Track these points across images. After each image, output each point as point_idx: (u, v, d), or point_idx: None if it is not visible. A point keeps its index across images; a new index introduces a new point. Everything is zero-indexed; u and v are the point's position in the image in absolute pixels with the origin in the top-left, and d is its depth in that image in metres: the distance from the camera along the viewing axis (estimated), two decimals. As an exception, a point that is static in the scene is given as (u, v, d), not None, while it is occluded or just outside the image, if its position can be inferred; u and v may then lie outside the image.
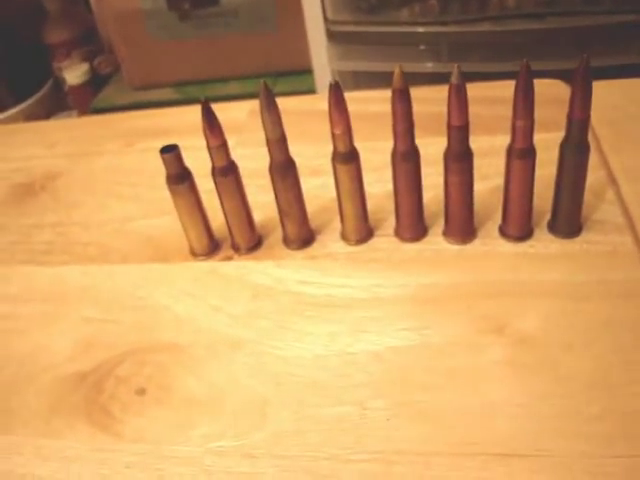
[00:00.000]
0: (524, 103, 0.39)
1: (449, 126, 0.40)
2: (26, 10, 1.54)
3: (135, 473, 0.36)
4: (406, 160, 0.42)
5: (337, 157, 0.43)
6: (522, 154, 0.41)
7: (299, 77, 1.30)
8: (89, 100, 1.44)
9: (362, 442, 0.35)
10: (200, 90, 1.36)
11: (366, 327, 0.41)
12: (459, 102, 0.39)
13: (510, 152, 0.41)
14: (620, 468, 0.32)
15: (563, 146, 0.41)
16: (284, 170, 0.44)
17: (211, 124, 0.42)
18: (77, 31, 1.52)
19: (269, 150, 0.43)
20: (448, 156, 0.42)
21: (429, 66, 1.00)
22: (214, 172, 0.44)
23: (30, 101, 1.48)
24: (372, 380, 0.38)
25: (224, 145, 0.43)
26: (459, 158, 0.41)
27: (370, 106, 0.59)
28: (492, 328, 0.40)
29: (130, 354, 0.43)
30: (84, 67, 1.48)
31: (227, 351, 0.41)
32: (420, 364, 0.39)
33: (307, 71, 1.17)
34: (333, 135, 0.42)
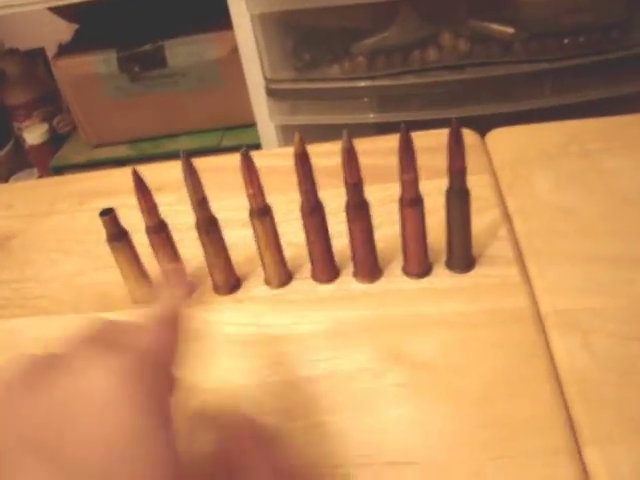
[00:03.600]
0: (406, 159, 0.45)
1: (346, 182, 0.46)
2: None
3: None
4: (311, 215, 0.48)
5: (253, 213, 0.49)
6: (410, 203, 0.47)
7: (245, 130, 1.36)
8: (49, 158, 1.49)
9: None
10: (153, 146, 1.42)
11: (283, 360, 0.47)
12: (350, 163, 0.45)
13: (401, 202, 0.47)
14: (492, 468, 0.38)
15: (447, 194, 0.48)
16: (207, 227, 0.49)
17: (141, 189, 0.48)
18: (37, 93, 1.57)
19: (193, 210, 0.49)
20: (348, 208, 0.48)
21: (365, 117, 1.07)
22: (147, 230, 0.50)
23: (-8, 161, 1.53)
24: (287, 406, 0.44)
25: (154, 207, 0.49)
26: (356, 209, 0.47)
27: (291, 161, 0.65)
28: (392, 356, 0.46)
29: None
30: (44, 127, 1.53)
31: (162, 388, 0.47)
32: (328, 390, 0.44)
33: (253, 124, 1.23)
34: (248, 195, 0.48)
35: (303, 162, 0.45)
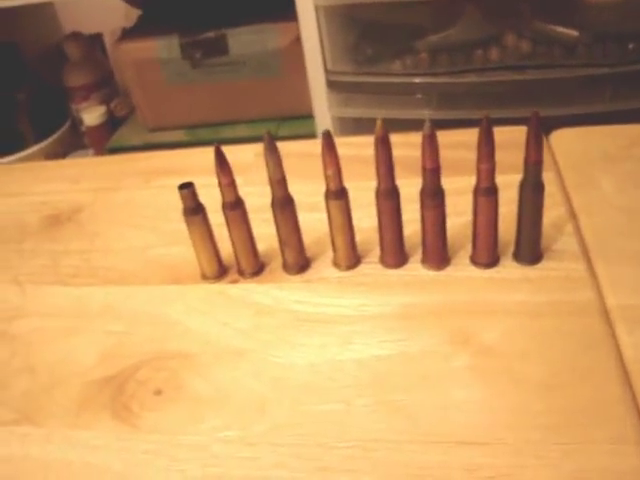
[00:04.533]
0: (486, 149, 0.46)
1: (423, 169, 0.47)
2: (49, 56, 1.63)
3: (151, 458, 0.42)
4: (387, 198, 0.49)
5: (329, 194, 0.50)
6: (486, 192, 0.48)
7: (302, 122, 1.37)
8: (105, 140, 1.52)
9: (346, 432, 0.42)
10: (209, 133, 1.44)
11: (352, 339, 0.48)
12: (431, 149, 0.46)
13: (476, 191, 0.48)
14: (559, 453, 0.39)
15: (521, 186, 0.49)
16: (284, 205, 0.51)
17: (222, 165, 0.49)
18: (95, 75, 1.61)
19: (271, 188, 0.50)
20: (423, 194, 0.49)
21: (421, 113, 1.08)
22: (224, 206, 0.52)
23: (50, 140, 1.56)
24: (356, 383, 0.45)
25: (233, 183, 0.51)
26: (432, 196, 0.48)
27: (363, 150, 0.66)
28: (460, 340, 0.47)
29: (148, 361, 0.49)
30: (101, 109, 1.57)
31: (232, 359, 0.48)
32: (397, 369, 0.45)
33: (309, 116, 1.25)
34: (325, 175, 0.49)
35: (383, 146, 0.47)
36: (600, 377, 0.43)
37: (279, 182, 0.50)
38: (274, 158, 0.48)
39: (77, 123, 1.65)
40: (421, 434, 0.41)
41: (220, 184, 0.51)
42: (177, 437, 0.43)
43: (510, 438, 0.40)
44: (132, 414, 0.46)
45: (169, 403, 0.46)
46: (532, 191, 0.48)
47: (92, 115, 1.55)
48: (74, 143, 1.63)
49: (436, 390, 0.43)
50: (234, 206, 0.51)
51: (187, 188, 0.51)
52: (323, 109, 1.15)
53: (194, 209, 0.52)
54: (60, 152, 1.56)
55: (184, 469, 0.41)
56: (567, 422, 0.40)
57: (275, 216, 0.52)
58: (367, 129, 0.57)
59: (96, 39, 1.69)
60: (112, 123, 1.58)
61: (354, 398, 0.44)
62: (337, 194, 0.50)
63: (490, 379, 0.44)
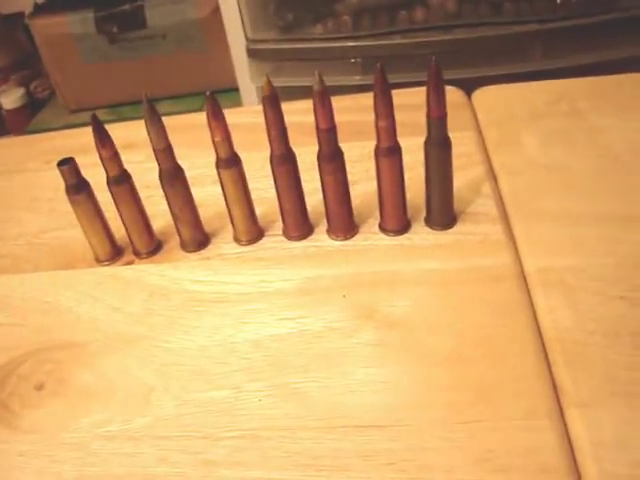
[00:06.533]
0: (382, 105, 0.42)
1: (317, 129, 0.43)
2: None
3: (28, 460, 0.38)
4: (282, 163, 0.45)
5: (219, 163, 0.46)
6: (387, 152, 0.44)
7: (228, 95, 1.32)
8: (25, 123, 1.45)
9: (235, 421, 0.38)
10: (133, 111, 1.38)
11: (248, 318, 0.44)
12: (323, 107, 0.42)
13: (377, 152, 0.45)
14: (466, 433, 0.36)
15: (426, 144, 0.45)
16: (172, 177, 0.47)
17: (101, 137, 0.45)
18: (14, 57, 1.54)
19: (156, 159, 0.46)
20: (320, 157, 0.45)
21: (351, 79, 1.03)
22: (108, 182, 0.47)
23: (-30, 126, 1.50)
24: (249, 366, 0.41)
25: (116, 156, 0.46)
26: (329, 159, 0.44)
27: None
28: (364, 314, 0.43)
29: (33, 354, 0.45)
30: (20, 91, 1.50)
31: (122, 347, 0.44)
32: (295, 349, 0.42)
33: (236, 89, 1.20)
34: (214, 142, 0.45)
35: (272, 105, 0.43)
36: (515, 348, 0.40)
37: (164, 151, 0.45)
38: (155, 126, 0.44)
39: (-1, 107, 1.58)
40: (316, 420, 0.37)
41: (101, 158, 0.46)
42: (57, 435, 0.40)
43: (412, 419, 0.37)
44: (11, 413, 0.42)
45: (51, 398, 0.42)
46: (437, 148, 0.45)
47: (10, 98, 1.48)
48: (-1, 127, 1.56)
49: (335, 370, 0.40)
50: (119, 181, 0.47)
51: (67, 164, 0.47)
52: (246, 80, 1.10)
53: (76, 187, 0.48)
54: (-18, 138, 1.50)
55: (60, 471, 0.38)
56: (476, 398, 0.37)
57: (164, 189, 0.47)
58: (296, 98, 0.54)
59: (16, 18, 1.61)
60: (34, 106, 1.51)
61: (245, 383, 0.40)
62: (228, 162, 0.46)
63: (395, 355, 0.40)
